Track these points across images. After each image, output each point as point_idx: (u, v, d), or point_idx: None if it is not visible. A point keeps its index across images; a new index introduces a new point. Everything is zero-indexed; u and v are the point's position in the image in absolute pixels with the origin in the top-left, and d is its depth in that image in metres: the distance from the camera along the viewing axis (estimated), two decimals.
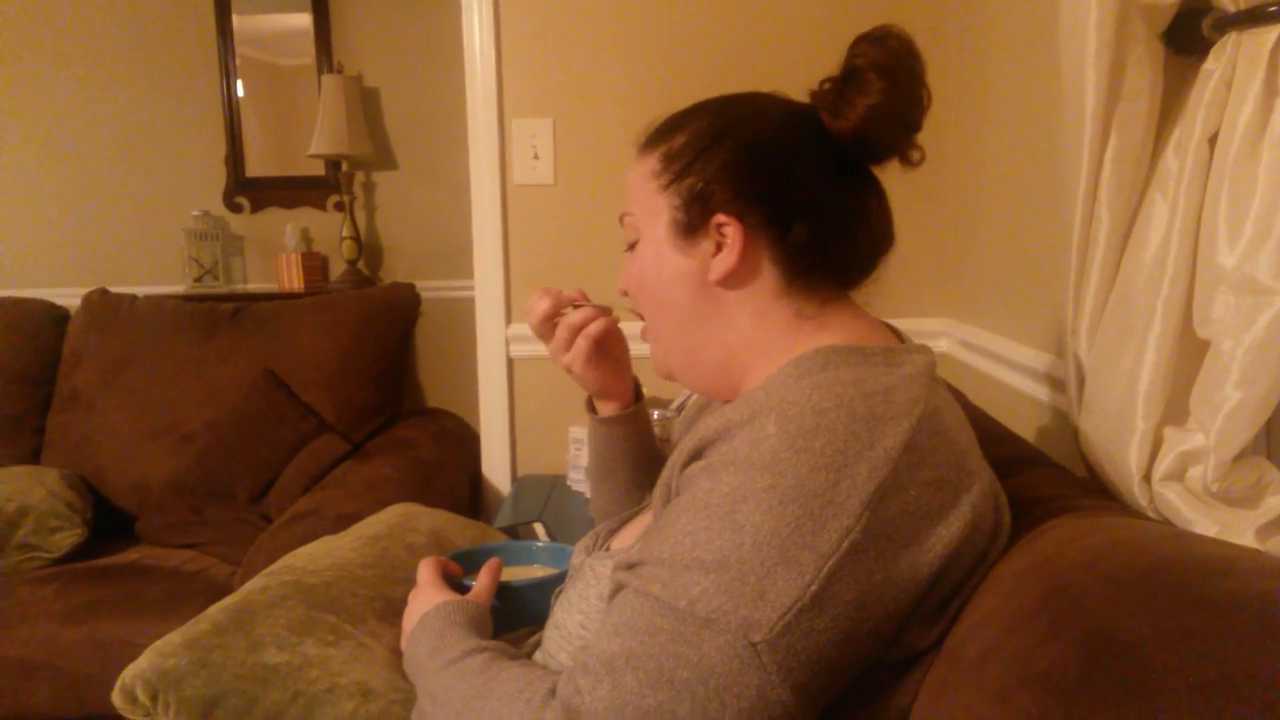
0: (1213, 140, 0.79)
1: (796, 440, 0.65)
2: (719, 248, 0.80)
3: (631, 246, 0.88)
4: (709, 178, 0.80)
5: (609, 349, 1.07)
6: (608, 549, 0.94)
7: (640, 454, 1.15)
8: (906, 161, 0.81)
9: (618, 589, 0.72)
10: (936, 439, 0.69)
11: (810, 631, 0.62)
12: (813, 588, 0.62)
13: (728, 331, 0.82)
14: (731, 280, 0.80)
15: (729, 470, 0.67)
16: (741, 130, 0.81)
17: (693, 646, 0.63)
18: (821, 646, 0.63)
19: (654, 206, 0.84)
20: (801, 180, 0.79)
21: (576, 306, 1.04)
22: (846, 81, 0.78)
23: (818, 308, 0.81)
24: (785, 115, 0.82)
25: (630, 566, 0.71)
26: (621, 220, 0.89)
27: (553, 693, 0.70)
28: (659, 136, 0.86)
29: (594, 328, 1.02)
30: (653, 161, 0.85)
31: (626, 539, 0.92)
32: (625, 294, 0.91)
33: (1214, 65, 0.78)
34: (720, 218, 0.79)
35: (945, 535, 0.67)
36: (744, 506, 0.65)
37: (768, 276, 0.80)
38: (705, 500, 0.67)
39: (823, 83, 0.81)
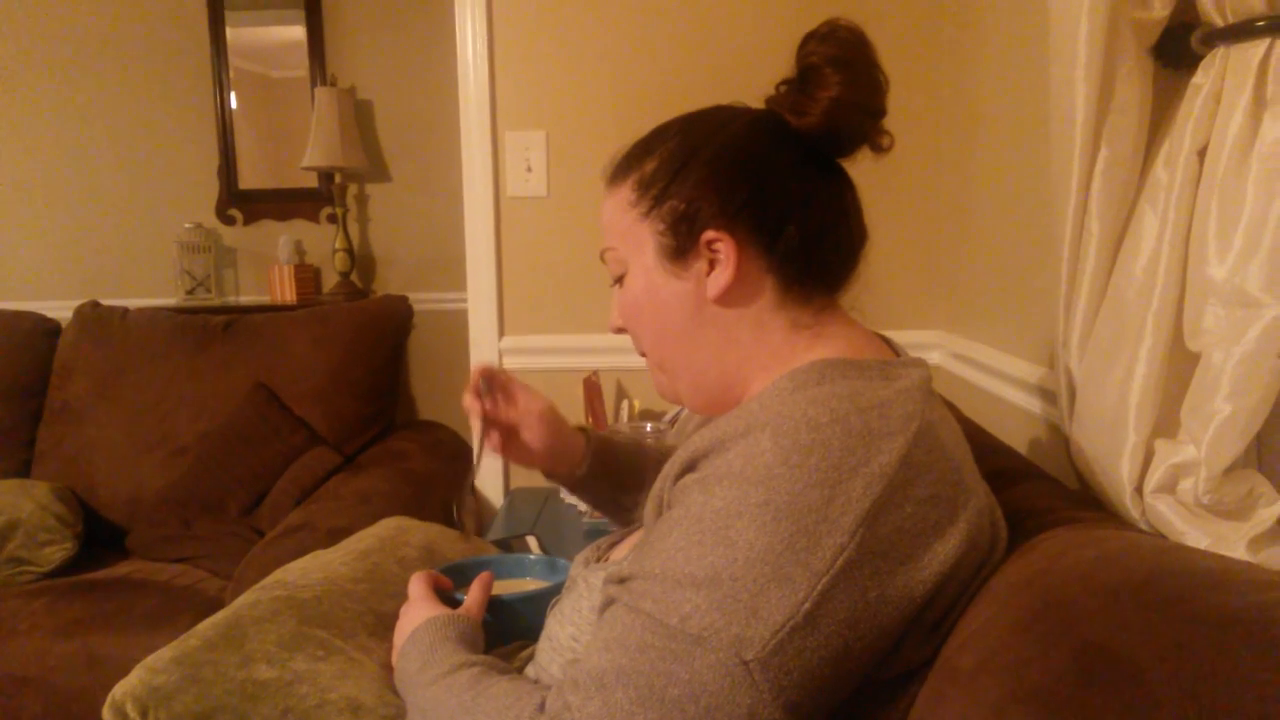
0: (1202, 153, 0.79)
1: (791, 455, 0.65)
2: (712, 265, 0.80)
3: (618, 281, 0.88)
4: (689, 196, 0.80)
5: (522, 439, 1.12)
6: (606, 560, 0.93)
7: (614, 491, 1.18)
8: (877, 148, 0.81)
9: (608, 603, 0.72)
10: (933, 455, 0.69)
11: (803, 650, 0.62)
12: (806, 606, 0.62)
13: (729, 349, 0.82)
14: (729, 296, 0.80)
15: (722, 485, 0.67)
16: (711, 144, 0.81)
17: (684, 664, 0.63)
18: (814, 665, 0.63)
19: (637, 236, 0.83)
20: (781, 183, 0.79)
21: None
22: (804, 80, 0.79)
23: (813, 317, 0.81)
24: (750, 122, 0.82)
25: (621, 580, 0.70)
26: (603, 257, 0.88)
27: (541, 708, 0.69)
28: (627, 166, 0.85)
29: (490, 443, 1.11)
30: (626, 192, 0.84)
31: (624, 551, 0.91)
32: (620, 330, 0.90)
33: (1203, 79, 0.79)
34: (709, 234, 0.79)
35: (941, 552, 0.66)
36: (737, 522, 0.64)
37: (763, 286, 0.80)
38: (698, 515, 0.67)
39: (778, 86, 0.82)
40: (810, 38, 0.79)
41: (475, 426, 1.09)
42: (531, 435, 1.11)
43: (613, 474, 1.17)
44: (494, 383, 1.11)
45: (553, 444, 1.13)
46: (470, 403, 1.09)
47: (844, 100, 0.77)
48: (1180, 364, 0.82)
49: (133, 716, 0.92)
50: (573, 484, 1.17)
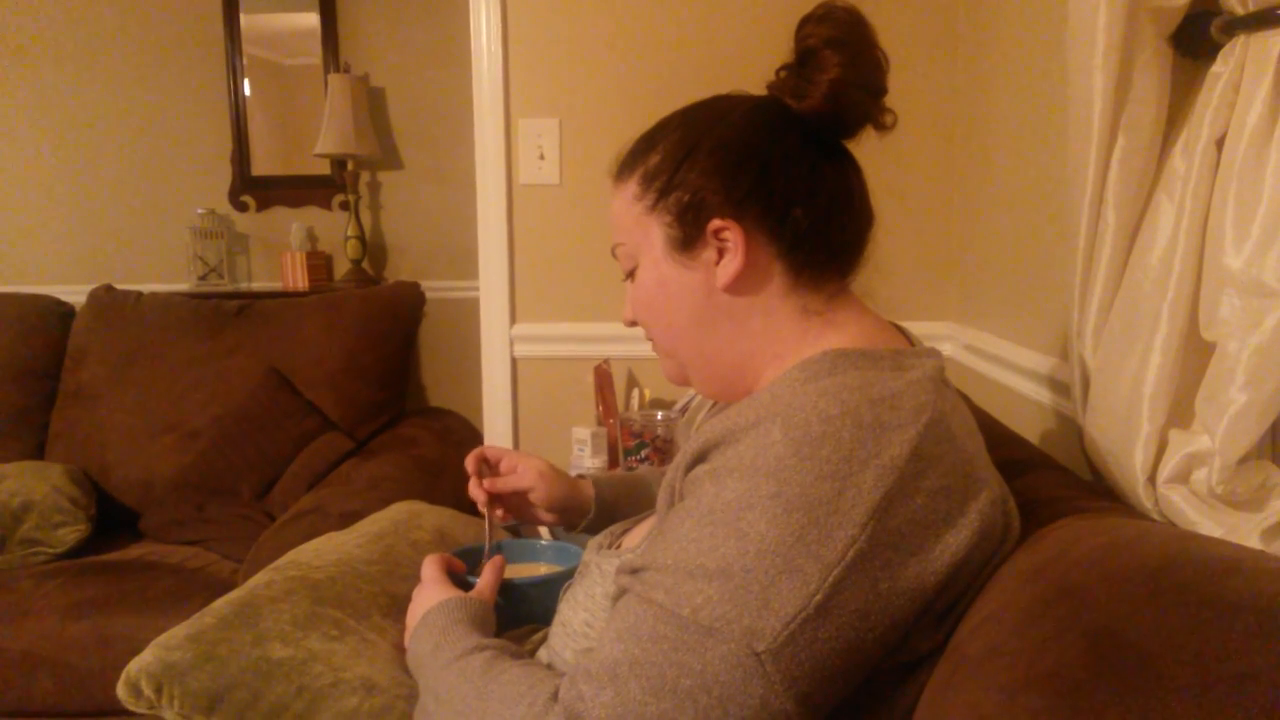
0: (1220, 143, 0.79)
1: (802, 448, 0.65)
2: (721, 254, 0.80)
3: (630, 275, 0.88)
4: (694, 187, 0.80)
5: (530, 500, 1.15)
6: (619, 547, 0.94)
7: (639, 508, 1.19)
8: (880, 126, 0.81)
9: (621, 593, 0.72)
10: (944, 446, 0.68)
11: (814, 641, 0.62)
12: (817, 597, 0.62)
13: (741, 337, 0.82)
14: (739, 284, 0.80)
15: (734, 476, 0.67)
16: (713, 134, 0.81)
17: (696, 655, 0.63)
18: (825, 656, 0.63)
19: (645, 229, 0.84)
20: (785, 168, 0.79)
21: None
22: (803, 64, 0.79)
23: (824, 303, 0.81)
24: (751, 109, 0.82)
25: (634, 571, 0.71)
26: (614, 252, 0.89)
27: (555, 697, 0.70)
28: (632, 160, 0.86)
29: (497, 519, 1.15)
30: (632, 186, 0.84)
31: (637, 538, 0.92)
32: (634, 324, 0.90)
33: (1222, 68, 0.78)
34: (716, 223, 0.79)
35: (953, 544, 0.66)
36: (748, 514, 0.65)
37: (773, 272, 0.80)
38: (710, 507, 0.67)
39: (778, 71, 0.82)
40: (807, 20, 0.78)
41: (482, 509, 1.13)
42: (539, 494, 1.14)
43: (620, 507, 1.19)
44: (490, 458, 1.15)
45: (560, 494, 1.15)
46: (475, 491, 1.12)
47: (844, 81, 0.76)
48: (1195, 354, 0.82)
49: (147, 693, 0.93)
50: (590, 527, 1.18)
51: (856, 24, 0.78)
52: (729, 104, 0.84)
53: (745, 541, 0.64)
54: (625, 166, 0.87)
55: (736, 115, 0.82)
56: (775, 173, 0.79)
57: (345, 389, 2.35)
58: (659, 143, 0.84)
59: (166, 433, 2.34)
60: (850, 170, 0.83)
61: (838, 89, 0.77)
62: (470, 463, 1.13)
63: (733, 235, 0.78)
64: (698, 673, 0.63)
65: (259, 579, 1.08)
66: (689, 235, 0.81)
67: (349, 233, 3.15)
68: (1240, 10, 0.76)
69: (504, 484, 1.13)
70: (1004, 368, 1.48)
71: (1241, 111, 0.76)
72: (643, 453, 1.71)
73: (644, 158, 0.84)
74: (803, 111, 0.79)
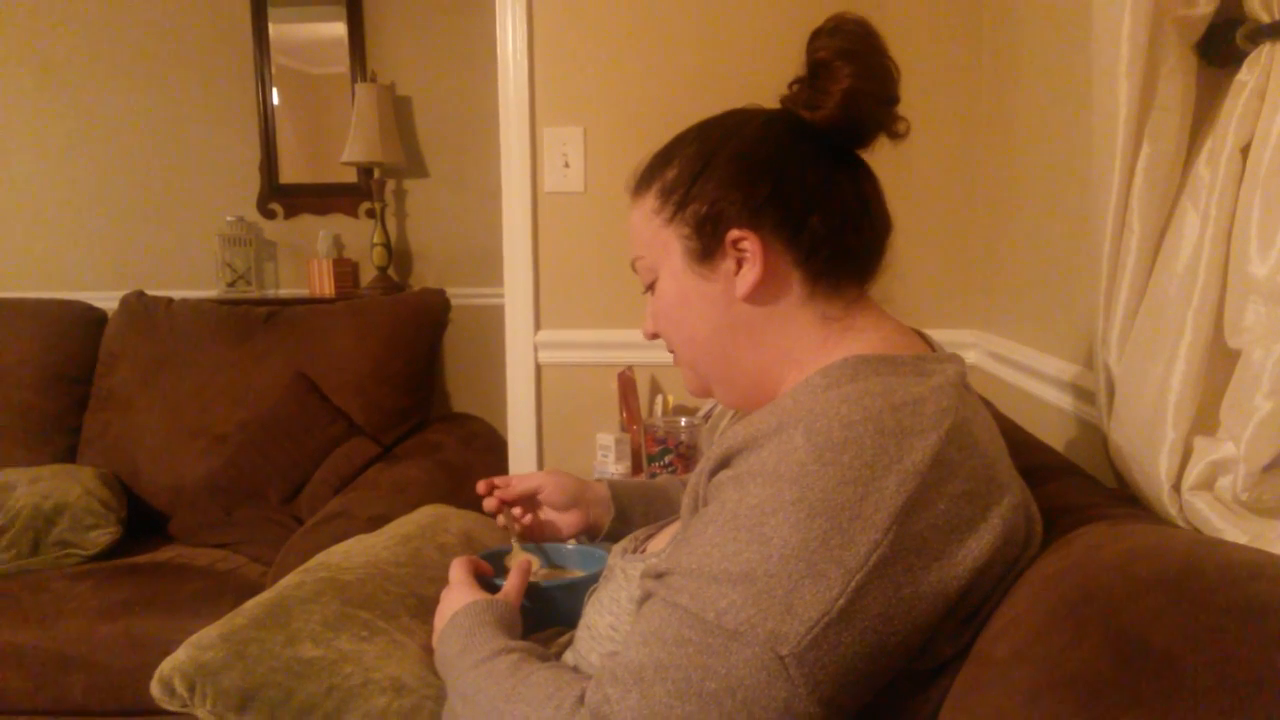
0: (1245, 150, 0.79)
1: (824, 453, 0.66)
2: (739, 264, 0.81)
3: (649, 288, 0.89)
4: (712, 199, 0.81)
5: (544, 500, 1.18)
6: (643, 551, 0.95)
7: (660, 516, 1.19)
8: (894, 135, 0.82)
9: (646, 597, 0.73)
10: (965, 452, 0.69)
11: (837, 645, 0.63)
12: (840, 602, 0.63)
13: (760, 347, 0.83)
14: (758, 293, 0.81)
15: (756, 482, 0.68)
16: (729, 146, 0.82)
17: (720, 658, 0.64)
18: (849, 659, 0.63)
19: (663, 242, 0.85)
20: (800, 177, 0.80)
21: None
22: (816, 75, 0.80)
23: (843, 310, 0.82)
24: (766, 121, 0.83)
25: (658, 575, 0.71)
26: (634, 266, 0.90)
27: (581, 700, 0.70)
28: (649, 174, 0.87)
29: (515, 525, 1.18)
30: (650, 200, 0.86)
31: (661, 542, 0.92)
32: (655, 336, 0.92)
33: (1247, 76, 0.78)
34: (734, 233, 0.80)
35: (975, 549, 0.67)
36: (771, 519, 0.65)
37: (791, 281, 0.81)
38: (733, 512, 0.68)
39: (791, 84, 0.83)
40: (818, 34, 0.80)
41: (500, 520, 1.16)
42: (548, 491, 1.16)
43: (637, 511, 1.19)
44: (498, 482, 1.18)
45: (571, 490, 1.17)
46: (489, 504, 1.15)
47: (856, 91, 0.78)
48: (1220, 361, 0.82)
49: (180, 692, 0.95)
50: (609, 533, 1.19)
51: (867, 35, 0.79)
52: (744, 117, 0.85)
53: (768, 546, 0.64)
54: (643, 180, 0.88)
55: (751, 128, 0.83)
56: (791, 182, 0.80)
57: (372, 394, 2.37)
58: (675, 156, 0.85)
59: (196, 437, 2.37)
60: (865, 178, 0.84)
61: (850, 99, 0.78)
62: (481, 486, 1.16)
63: (751, 245, 0.79)
64: (722, 676, 0.63)
65: (289, 580, 1.09)
66: (707, 246, 0.82)
67: (375, 240, 3.18)
68: (1266, 18, 0.76)
69: (512, 491, 1.15)
70: (1028, 375, 1.48)
71: (1267, 119, 0.76)
72: (666, 459, 1.72)
73: (661, 171, 0.85)
74: (816, 122, 0.80)
